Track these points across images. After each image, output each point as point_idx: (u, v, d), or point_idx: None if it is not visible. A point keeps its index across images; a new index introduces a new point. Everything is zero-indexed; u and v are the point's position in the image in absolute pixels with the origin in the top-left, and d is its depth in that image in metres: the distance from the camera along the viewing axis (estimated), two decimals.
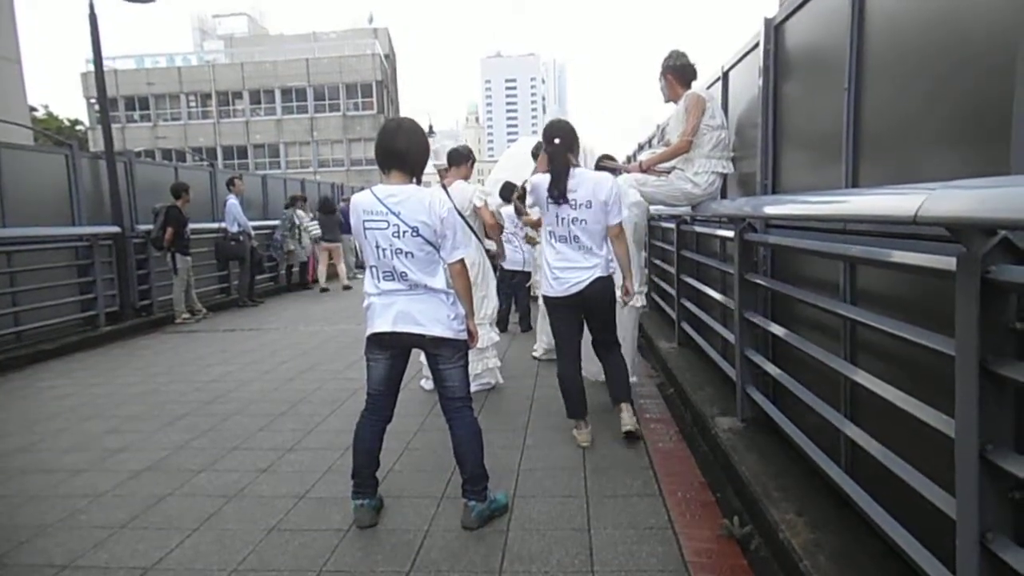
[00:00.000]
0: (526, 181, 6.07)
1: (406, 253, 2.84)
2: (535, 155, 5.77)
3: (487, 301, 5.18)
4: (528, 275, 7.79)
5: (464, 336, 3.03)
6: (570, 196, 3.73)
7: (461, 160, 5.17)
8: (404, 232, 2.83)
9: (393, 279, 2.89)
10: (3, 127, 10.32)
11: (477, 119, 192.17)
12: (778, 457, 3.16)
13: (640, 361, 5.58)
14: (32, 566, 2.80)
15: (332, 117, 45.72)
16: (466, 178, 5.24)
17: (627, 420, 3.93)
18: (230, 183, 10.93)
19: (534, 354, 6.29)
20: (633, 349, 5.00)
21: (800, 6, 3.24)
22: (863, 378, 2.29)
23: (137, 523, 3.17)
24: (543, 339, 6.13)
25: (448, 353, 2.99)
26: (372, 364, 3.06)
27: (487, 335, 5.17)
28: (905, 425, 2.00)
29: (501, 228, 5.31)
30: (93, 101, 42.87)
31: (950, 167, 2.01)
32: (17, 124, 12.49)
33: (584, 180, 3.77)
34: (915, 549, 1.91)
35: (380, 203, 2.86)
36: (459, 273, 2.96)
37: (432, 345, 2.97)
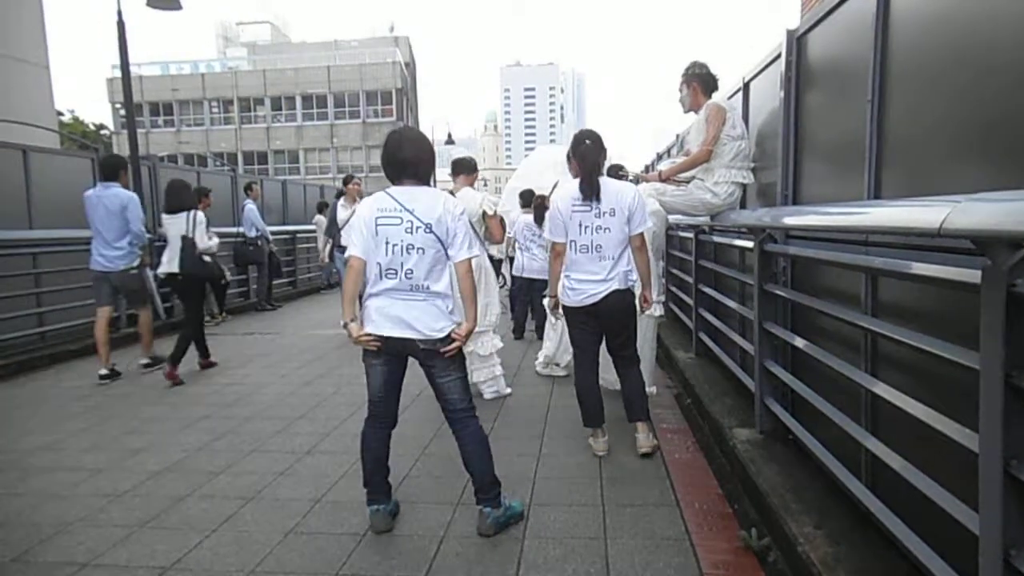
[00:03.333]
0: (551, 192, 6.14)
1: (417, 249, 2.85)
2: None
3: (490, 308, 5.19)
4: (547, 283, 7.77)
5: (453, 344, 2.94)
6: (594, 204, 3.75)
7: (469, 169, 5.33)
8: (417, 228, 2.85)
9: (396, 277, 2.88)
10: (31, 131, 10.49)
11: (496, 127, 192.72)
12: (797, 469, 3.13)
13: (657, 371, 5.56)
14: (54, 563, 2.84)
15: (352, 124, 46.12)
16: (472, 185, 5.31)
17: (642, 441, 3.89)
18: (247, 188, 11.05)
19: (536, 369, 6.12)
20: (651, 359, 4.99)
21: (823, 17, 3.23)
22: (884, 391, 2.27)
23: (156, 523, 3.20)
24: (546, 345, 6.03)
25: (442, 364, 2.97)
26: (370, 370, 3.05)
27: (491, 342, 5.19)
28: (927, 439, 1.98)
29: (502, 239, 5.61)
30: (119, 106, 43.56)
31: (975, 179, 2.00)
32: (45, 128, 12.70)
33: (608, 188, 3.79)
34: (937, 565, 1.89)
35: (394, 200, 2.89)
36: (466, 272, 2.95)
37: (424, 355, 2.95)
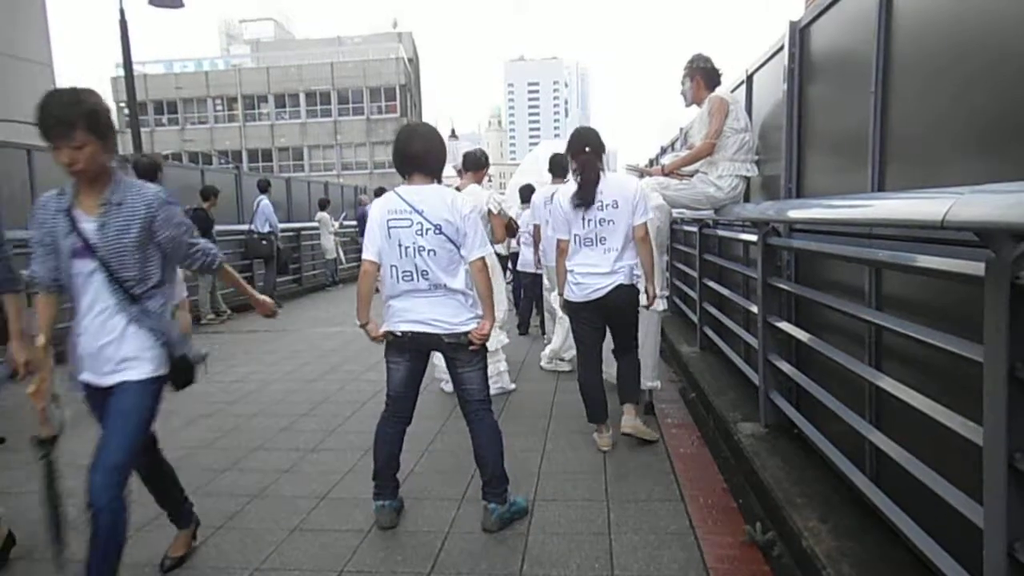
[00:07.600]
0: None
1: (429, 251, 2.86)
2: (553, 170, 5.89)
3: (498, 304, 5.18)
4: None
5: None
6: (597, 197, 3.75)
7: (479, 166, 5.25)
8: (427, 229, 2.85)
9: (413, 279, 2.90)
10: (35, 130, 10.53)
11: (499, 122, 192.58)
12: (801, 463, 3.12)
13: (662, 365, 5.54)
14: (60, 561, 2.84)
15: (356, 121, 46.06)
16: (480, 183, 5.28)
17: (627, 422, 3.88)
18: (268, 186, 11.37)
19: (541, 364, 6.13)
20: (655, 354, 4.97)
21: (826, 8, 3.21)
22: (888, 384, 2.26)
23: (161, 520, 3.18)
24: (555, 340, 6.01)
25: (466, 356, 3.00)
26: (392, 367, 3.07)
27: (496, 338, 5.18)
28: (931, 432, 1.97)
29: (511, 234, 5.76)
30: (122, 105, 43.56)
31: (979, 171, 1.99)
32: None
33: (610, 181, 3.79)
34: (941, 558, 1.89)
35: (404, 201, 2.89)
36: (480, 270, 2.96)
37: (450, 348, 2.98)
